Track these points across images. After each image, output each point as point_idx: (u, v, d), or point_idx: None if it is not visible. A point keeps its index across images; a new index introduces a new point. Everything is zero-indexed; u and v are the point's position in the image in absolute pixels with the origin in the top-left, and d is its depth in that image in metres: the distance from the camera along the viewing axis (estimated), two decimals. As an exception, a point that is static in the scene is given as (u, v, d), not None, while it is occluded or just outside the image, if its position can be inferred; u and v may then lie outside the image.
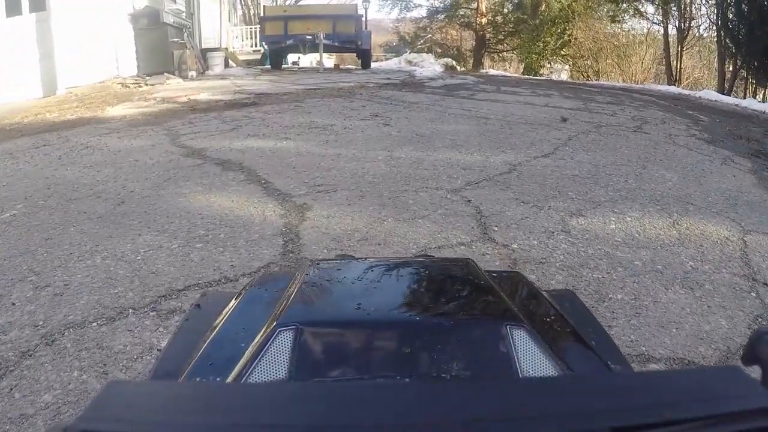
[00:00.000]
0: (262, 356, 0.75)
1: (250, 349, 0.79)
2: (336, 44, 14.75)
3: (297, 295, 0.92)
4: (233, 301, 1.06)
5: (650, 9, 19.26)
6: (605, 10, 19.87)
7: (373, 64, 17.13)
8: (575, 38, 19.68)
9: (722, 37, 14.92)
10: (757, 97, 13.69)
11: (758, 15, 12.54)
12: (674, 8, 17.74)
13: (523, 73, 19.75)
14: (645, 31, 20.11)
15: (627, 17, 19.95)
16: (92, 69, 9.96)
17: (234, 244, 2.96)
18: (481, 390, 0.49)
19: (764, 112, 10.33)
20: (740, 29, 13.82)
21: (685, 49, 17.54)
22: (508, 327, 0.80)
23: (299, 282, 0.97)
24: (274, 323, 0.80)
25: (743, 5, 13.40)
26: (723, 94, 13.31)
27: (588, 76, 19.56)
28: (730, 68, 15.02)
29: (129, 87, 9.79)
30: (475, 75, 15.43)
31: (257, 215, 3.35)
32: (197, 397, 0.47)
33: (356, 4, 17.78)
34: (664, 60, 18.59)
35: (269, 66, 15.73)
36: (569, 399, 0.46)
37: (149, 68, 11.32)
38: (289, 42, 14.43)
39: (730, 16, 14.15)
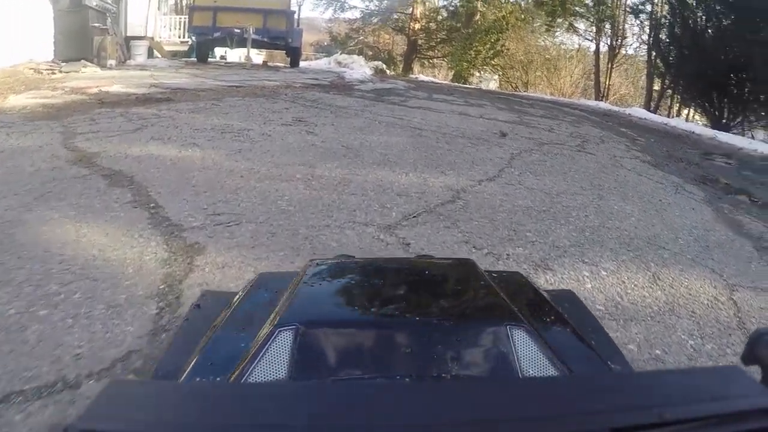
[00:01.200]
0: (263, 356, 0.75)
1: (250, 349, 0.79)
2: (265, 40, 13.73)
3: (297, 295, 0.92)
4: (233, 301, 1.06)
5: (581, 26, 19.44)
6: (539, 23, 19.89)
7: (302, 63, 16.29)
8: (507, 49, 19.58)
9: (653, 57, 15.17)
10: (681, 116, 14.04)
11: (691, 39, 12.74)
12: (608, 27, 18.00)
13: (452, 81, 19.38)
14: (576, 46, 20.36)
15: (561, 31, 20.09)
16: (3, 52, 8.65)
17: (90, 312, 2.06)
18: (482, 390, 0.50)
19: (693, 133, 10.46)
20: (671, 51, 14.07)
21: (614, 66, 17.80)
22: (508, 327, 0.80)
23: (299, 282, 0.97)
24: (274, 323, 0.80)
25: (676, 28, 13.62)
26: (650, 111, 13.48)
27: (517, 86, 19.53)
28: (657, 87, 15.31)
29: (41, 73, 8.69)
30: (405, 80, 14.81)
31: (132, 261, 2.47)
32: (197, 397, 0.48)
33: (290, 0, 16.71)
34: (593, 75, 18.80)
35: (195, 59, 14.48)
36: (569, 399, 0.46)
37: (67, 54, 10.05)
38: (217, 35, 13.31)
39: (663, 37, 14.38)
